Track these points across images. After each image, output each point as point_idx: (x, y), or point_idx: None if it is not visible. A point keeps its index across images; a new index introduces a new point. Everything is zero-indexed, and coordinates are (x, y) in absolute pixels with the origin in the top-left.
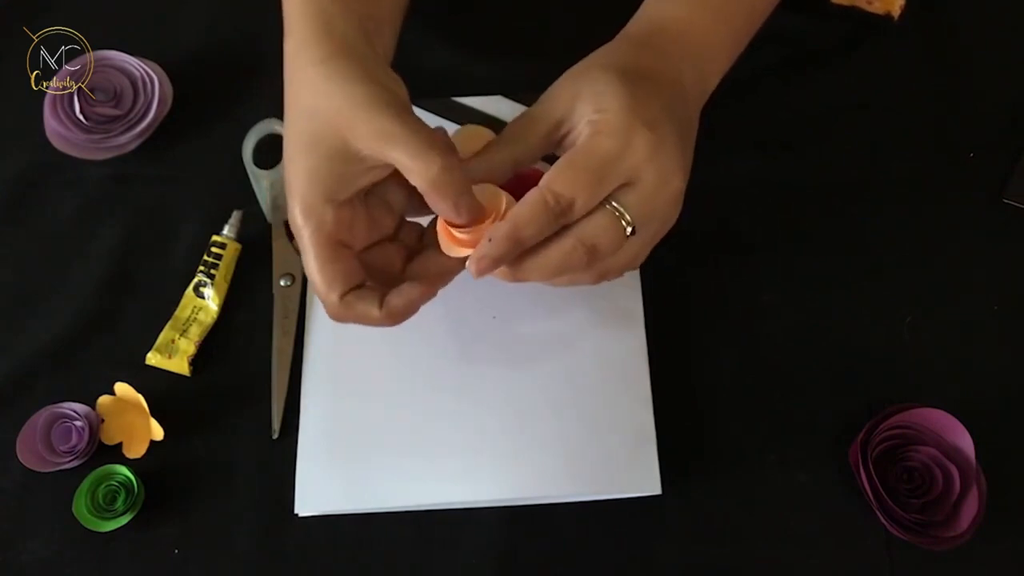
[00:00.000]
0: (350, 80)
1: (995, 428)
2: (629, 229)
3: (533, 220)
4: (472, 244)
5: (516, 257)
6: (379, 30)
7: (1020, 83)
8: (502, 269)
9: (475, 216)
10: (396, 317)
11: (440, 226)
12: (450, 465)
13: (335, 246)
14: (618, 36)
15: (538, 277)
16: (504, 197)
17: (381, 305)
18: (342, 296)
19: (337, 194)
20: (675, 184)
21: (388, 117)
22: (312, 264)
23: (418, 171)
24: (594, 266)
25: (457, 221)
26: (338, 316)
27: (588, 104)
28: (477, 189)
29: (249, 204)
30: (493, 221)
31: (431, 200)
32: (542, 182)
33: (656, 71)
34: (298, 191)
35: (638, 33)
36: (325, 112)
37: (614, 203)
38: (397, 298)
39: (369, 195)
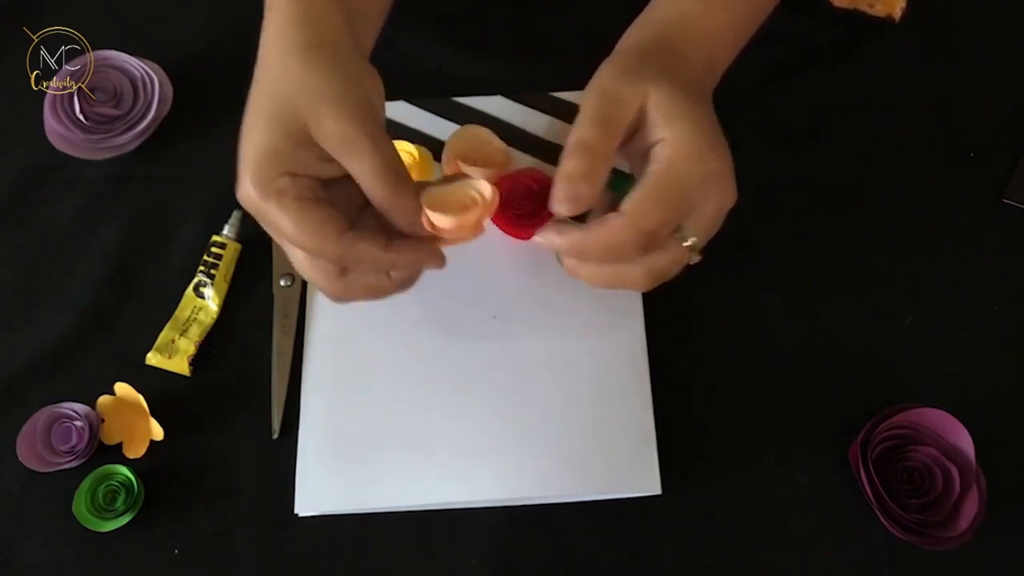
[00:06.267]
0: (326, 74)
1: (995, 428)
2: (696, 257)
3: (607, 247)
4: (451, 230)
5: (580, 261)
6: (363, 24)
7: (1020, 83)
8: (566, 260)
9: (425, 235)
10: (402, 263)
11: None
12: (450, 465)
13: (307, 199)
14: (645, 33)
15: (593, 283)
16: (491, 189)
17: (385, 249)
18: (342, 234)
19: (295, 171)
20: (729, 204)
21: (354, 123)
22: (289, 224)
23: (371, 191)
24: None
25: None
26: (341, 257)
27: (658, 112)
28: (460, 184)
29: None
30: (481, 216)
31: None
32: (629, 213)
33: (693, 83)
34: (252, 164)
35: (668, 35)
36: (295, 99)
37: (682, 230)
38: (404, 249)
39: (329, 185)
